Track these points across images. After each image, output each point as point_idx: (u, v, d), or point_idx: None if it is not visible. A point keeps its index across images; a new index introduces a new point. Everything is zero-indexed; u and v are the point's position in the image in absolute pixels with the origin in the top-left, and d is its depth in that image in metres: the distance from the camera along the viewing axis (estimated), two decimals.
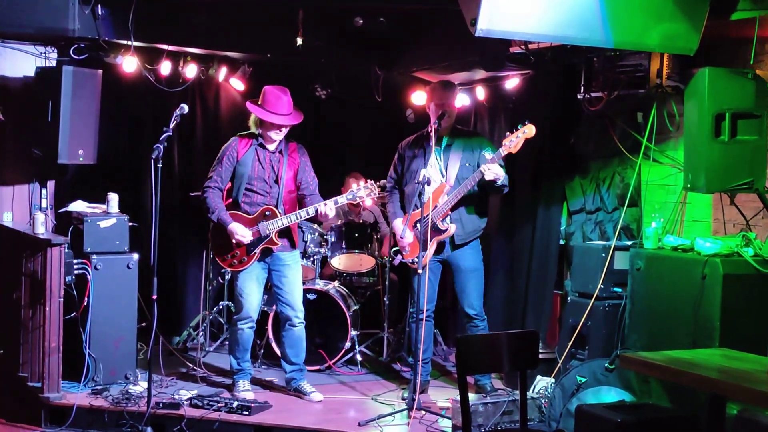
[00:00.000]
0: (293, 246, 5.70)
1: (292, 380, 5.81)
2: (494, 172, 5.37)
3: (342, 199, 5.53)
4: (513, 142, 5.38)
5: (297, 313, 5.70)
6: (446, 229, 5.59)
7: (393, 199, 5.91)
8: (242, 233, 5.47)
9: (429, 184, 5.37)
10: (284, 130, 5.57)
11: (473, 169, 5.60)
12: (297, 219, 5.53)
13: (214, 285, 7.00)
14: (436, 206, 5.56)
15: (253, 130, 5.62)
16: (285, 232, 5.61)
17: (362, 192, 5.50)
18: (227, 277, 6.77)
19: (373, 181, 5.55)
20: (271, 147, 5.60)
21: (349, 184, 7.42)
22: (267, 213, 5.53)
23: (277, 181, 5.58)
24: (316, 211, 5.45)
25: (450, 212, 5.59)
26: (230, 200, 5.68)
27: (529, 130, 5.38)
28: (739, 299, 4.46)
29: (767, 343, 4.32)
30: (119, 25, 6.06)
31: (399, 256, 5.78)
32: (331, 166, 7.36)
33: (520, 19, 4.23)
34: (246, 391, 5.68)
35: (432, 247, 5.60)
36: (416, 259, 5.39)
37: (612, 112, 5.80)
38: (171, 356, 6.47)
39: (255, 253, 5.55)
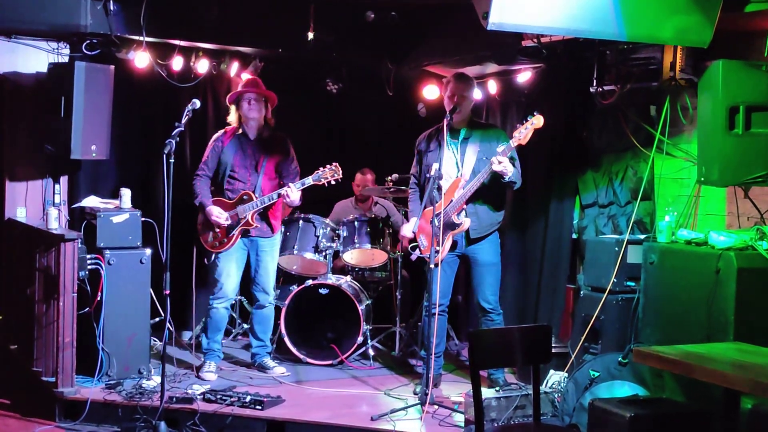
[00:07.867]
0: (272, 231, 6.05)
1: (256, 355, 6.18)
2: (503, 165, 5.34)
3: (308, 181, 5.86)
4: (522, 133, 5.36)
5: (268, 297, 6.11)
6: (461, 224, 5.57)
7: (413, 197, 5.90)
8: (218, 213, 5.88)
9: (441, 178, 5.35)
10: (257, 106, 5.88)
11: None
12: (268, 201, 5.88)
13: None
14: (451, 200, 5.55)
15: (234, 122, 5.99)
16: (263, 217, 5.98)
17: (326, 173, 5.85)
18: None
19: (337, 164, 5.87)
20: (252, 135, 5.95)
21: (360, 180, 7.43)
22: (245, 197, 5.93)
23: (257, 169, 5.94)
24: (279, 195, 5.82)
25: (465, 206, 5.57)
26: (215, 186, 6.05)
27: (537, 121, 5.36)
28: (753, 293, 4.43)
29: None
30: (131, 21, 6.10)
31: (417, 251, 5.74)
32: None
33: (532, 13, 4.22)
34: (210, 372, 5.92)
35: (448, 243, 5.59)
36: (431, 254, 5.36)
37: (625, 105, 5.77)
38: (184, 351, 6.48)
39: (234, 234, 5.94)
